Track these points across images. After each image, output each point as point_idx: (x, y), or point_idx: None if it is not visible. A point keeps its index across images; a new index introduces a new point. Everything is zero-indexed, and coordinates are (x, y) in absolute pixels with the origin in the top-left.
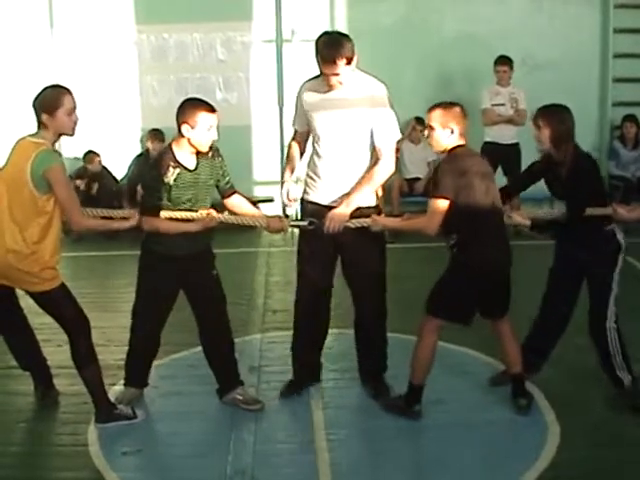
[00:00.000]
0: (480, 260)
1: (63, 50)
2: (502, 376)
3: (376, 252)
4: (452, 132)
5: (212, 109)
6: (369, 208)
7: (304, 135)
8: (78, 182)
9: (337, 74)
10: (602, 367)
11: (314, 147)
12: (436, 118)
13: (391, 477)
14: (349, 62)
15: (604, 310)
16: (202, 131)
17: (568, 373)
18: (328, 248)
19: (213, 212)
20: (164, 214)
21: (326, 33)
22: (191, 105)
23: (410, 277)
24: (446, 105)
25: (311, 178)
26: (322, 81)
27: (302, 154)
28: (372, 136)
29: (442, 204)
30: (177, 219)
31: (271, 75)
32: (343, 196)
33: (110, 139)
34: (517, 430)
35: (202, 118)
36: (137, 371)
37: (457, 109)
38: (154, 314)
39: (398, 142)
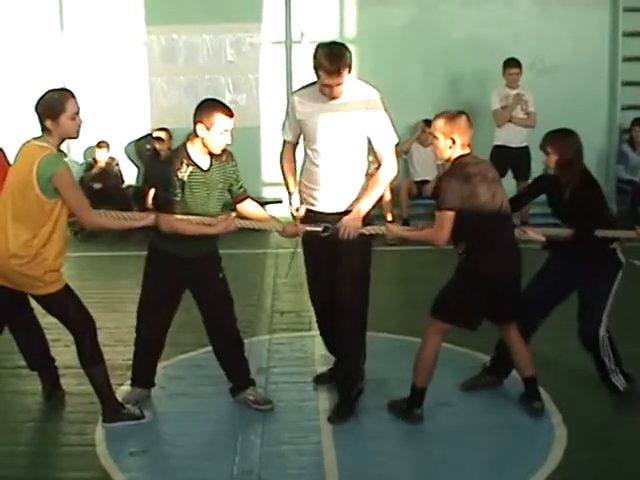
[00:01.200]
0: (486, 265)
1: (73, 51)
2: (475, 380)
3: (365, 265)
4: (453, 142)
5: (230, 113)
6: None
7: (294, 146)
8: (96, 186)
9: (341, 83)
10: (598, 373)
11: (309, 155)
12: (439, 128)
13: (397, 479)
14: (350, 70)
15: (598, 320)
16: (216, 133)
17: (573, 376)
18: (325, 254)
19: (232, 216)
20: (183, 217)
21: (324, 44)
22: (209, 106)
23: (417, 280)
24: (451, 115)
25: (307, 187)
26: (316, 89)
27: (295, 165)
28: (369, 141)
29: (449, 215)
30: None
31: (280, 76)
32: (342, 202)
33: (119, 140)
34: (523, 433)
35: (218, 120)
36: (143, 371)
37: (461, 120)
38: (159, 315)
39: (405, 144)
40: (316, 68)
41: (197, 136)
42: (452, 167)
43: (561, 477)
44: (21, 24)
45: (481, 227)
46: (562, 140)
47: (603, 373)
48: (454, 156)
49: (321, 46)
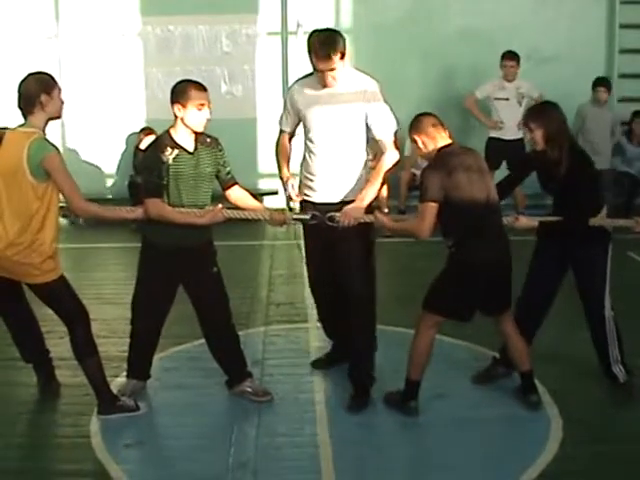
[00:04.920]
0: (473, 256)
1: (68, 42)
2: (486, 373)
3: (366, 253)
4: (427, 136)
5: (203, 88)
6: (350, 202)
7: (290, 136)
8: None
9: (333, 69)
10: (600, 361)
11: (308, 146)
12: (412, 133)
13: (393, 471)
14: (342, 57)
15: (601, 298)
16: (193, 110)
17: (570, 368)
18: (325, 241)
19: (219, 207)
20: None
21: (318, 30)
22: (181, 85)
23: (413, 272)
24: (414, 118)
25: (307, 178)
26: (314, 79)
27: (289, 154)
28: (368, 130)
29: (430, 208)
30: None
31: (276, 68)
32: (338, 193)
33: (115, 131)
34: (519, 425)
35: (192, 95)
36: (139, 364)
37: (425, 117)
38: (154, 308)
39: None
40: (310, 54)
41: (177, 118)
42: (435, 158)
43: (557, 469)
44: (16, 15)
45: (468, 218)
46: (544, 113)
47: (605, 361)
48: (437, 147)
49: (315, 32)
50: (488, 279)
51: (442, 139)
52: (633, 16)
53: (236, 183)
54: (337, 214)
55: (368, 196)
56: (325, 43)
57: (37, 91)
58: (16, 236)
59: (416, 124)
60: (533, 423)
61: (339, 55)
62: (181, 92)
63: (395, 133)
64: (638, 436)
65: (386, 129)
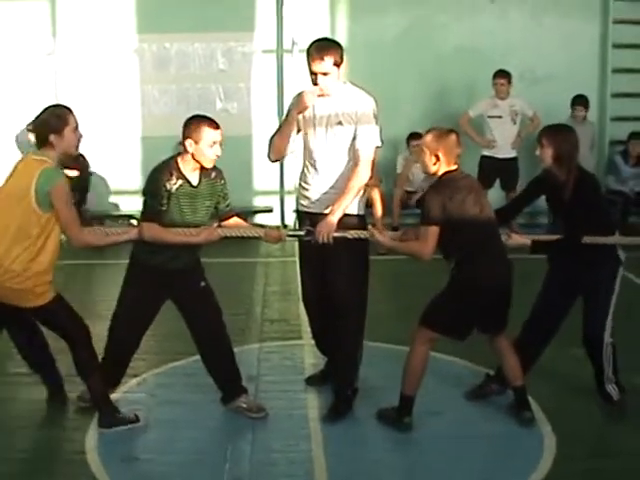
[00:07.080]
0: (474, 276)
1: (65, 59)
2: (479, 390)
3: (358, 267)
4: (437, 159)
5: (216, 125)
6: (353, 216)
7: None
8: None
9: (326, 73)
10: (595, 380)
11: (305, 157)
12: (427, 143)
13: None
14: (337, 65)
15: (603, 323)
16: (205, 147)
17: (564, 384)
18: (318, 256)
19: (214, 225)
20: (166, 229)
21: (317, 39)
22: (195, 121)
23: (407, 289)
24: (440, 132)
25: (303, 188)
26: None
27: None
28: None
29: (433, 230)
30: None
31: (271, 85)
32: (331, 203)
33: (111, 148)
34: (513, 442)
35: (205, 134)
36: (110, 373)
37: (450, 139)
38: (135, 324)
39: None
40: (308, 60)
41: (187, 152)
42: (438, 182)
43: None
44: (13, 31)
45: (470, 241)
46: (559, 133)
47: (599, 381)
48: (440, 172)
49: (314, 40)
50: (488, 300)
51: (451, 165)
52: (626, 36)
53: (234, 215)
54: (312, 229)
55: (340, 209)
56: (321, 46)
57: (46, 130)
58: (11, 263)
59: (447, 141)
60: (527, 440)
61: (333, 60)
62: (194, 129)
63: (377, 147)
64: (631, 452)
65: (366, 143)
